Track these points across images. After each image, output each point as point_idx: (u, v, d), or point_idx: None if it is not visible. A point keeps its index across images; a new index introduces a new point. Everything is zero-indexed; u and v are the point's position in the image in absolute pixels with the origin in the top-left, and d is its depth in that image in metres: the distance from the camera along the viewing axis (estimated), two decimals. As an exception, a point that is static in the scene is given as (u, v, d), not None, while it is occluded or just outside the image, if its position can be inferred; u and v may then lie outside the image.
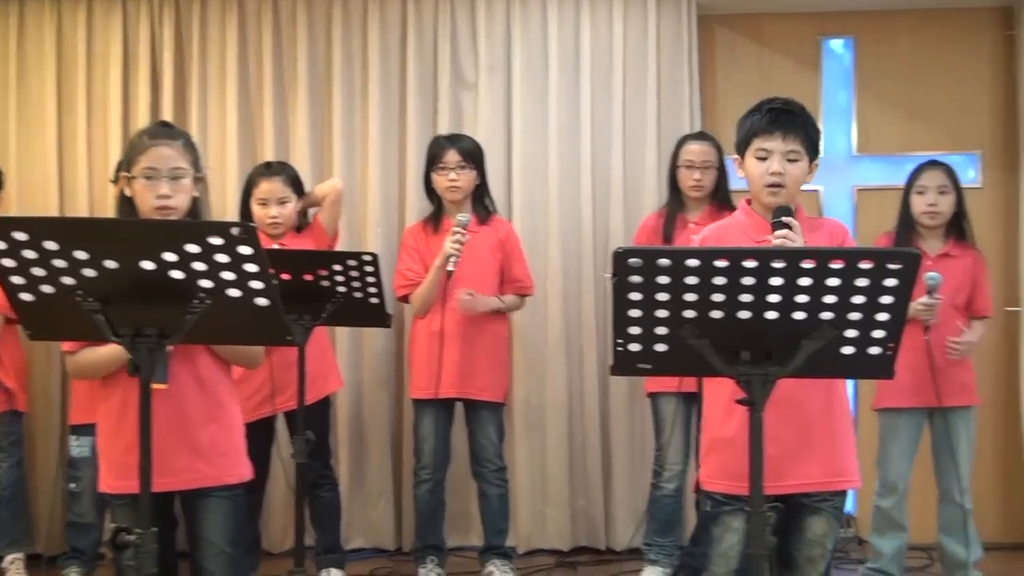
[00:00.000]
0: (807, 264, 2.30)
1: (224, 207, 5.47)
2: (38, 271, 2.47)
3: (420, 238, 5.03)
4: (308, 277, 4.20)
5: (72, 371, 3.26)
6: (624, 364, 2.51)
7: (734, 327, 2.39)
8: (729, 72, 5.98)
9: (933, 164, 4.67)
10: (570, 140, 5.71)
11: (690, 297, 2.35)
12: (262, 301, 2.55)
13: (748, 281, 2.32)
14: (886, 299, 2.36)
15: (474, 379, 4.88)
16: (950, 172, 4.63)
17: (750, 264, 2.30)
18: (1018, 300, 5.74)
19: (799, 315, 2.37)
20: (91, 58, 5.75)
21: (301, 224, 4.96)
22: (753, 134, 3.14)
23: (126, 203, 3.16)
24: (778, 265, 2.29)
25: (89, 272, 2.46)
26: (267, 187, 4.79)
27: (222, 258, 2.45)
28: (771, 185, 3.11)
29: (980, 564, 4.60)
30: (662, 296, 2.36)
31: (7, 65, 5.77)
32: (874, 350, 2.45)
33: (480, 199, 5.04)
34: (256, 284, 2.51)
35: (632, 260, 2.31)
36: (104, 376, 3.10)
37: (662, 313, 2.39)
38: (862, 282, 2.33)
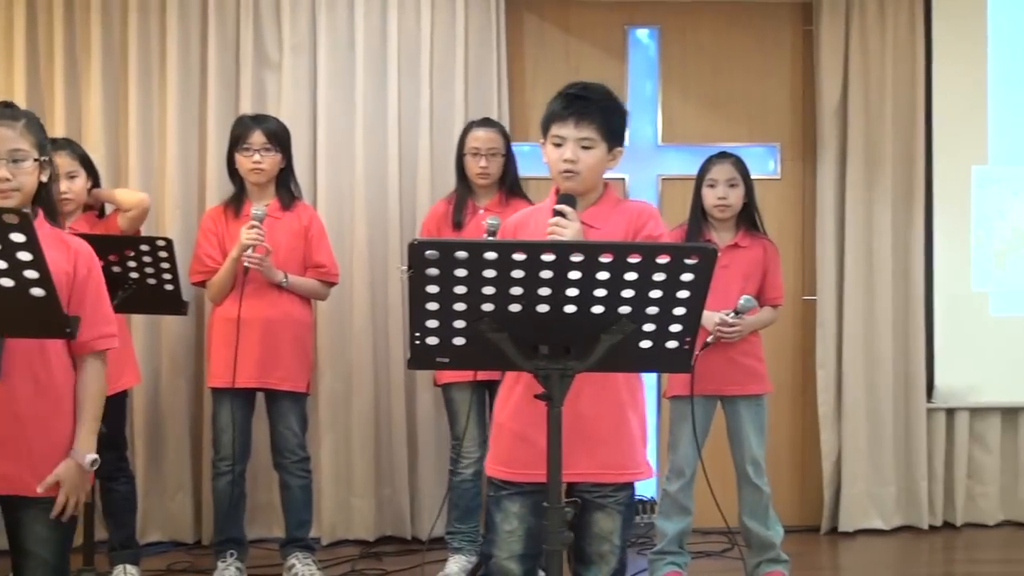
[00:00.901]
0: (605, 258, 2.28)
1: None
2: None
3: (220, 222, 4.86)
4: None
5: None
6: (422, 358, 2.47)
7: (533, 321, 2.37)
8: (537, 59, 5.98)
9: (722, 156, 4.75)
10: (377, 124, 5.63)
11: (488, 290, 2.32)
12: (37, 291, 2.41)
13: (546, 275, 2.29)
14: (683, 294, 2.37)
15: (275, 369, 4.75)
16: (739, 164, 4.72)
17: (548, 258, 2.27)
18: (815, 289, 5.91)
19: (597, 309, 2.37)
20: None
21: (101, 210, 4.76)
22: (550, 120, 3.11)
23: None
24: (576, 259, 2.27)
25: None
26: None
27: (-7, 246, 2.30)
28: (564, 171, 3.08)
29: (780, 545, 4.73)
30: (459, 289, 2.32)
31: None
32: (671, 344, 2.47)
33: (285, 183, 4.91)
34: (30, 273, 2.38)
35: (428, 252, 2.26)
36: None
37: (459, 306, 2.35)
38: (659, 276, 2.34)
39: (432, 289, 2.32)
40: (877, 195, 5.86)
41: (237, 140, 4.81)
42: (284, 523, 4.97)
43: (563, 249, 2.29)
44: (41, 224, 2.94)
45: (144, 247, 4.14)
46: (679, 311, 2.40)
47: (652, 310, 2.39)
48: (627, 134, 3.33)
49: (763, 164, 5.99)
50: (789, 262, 5.79)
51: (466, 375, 4.72)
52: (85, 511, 4.12)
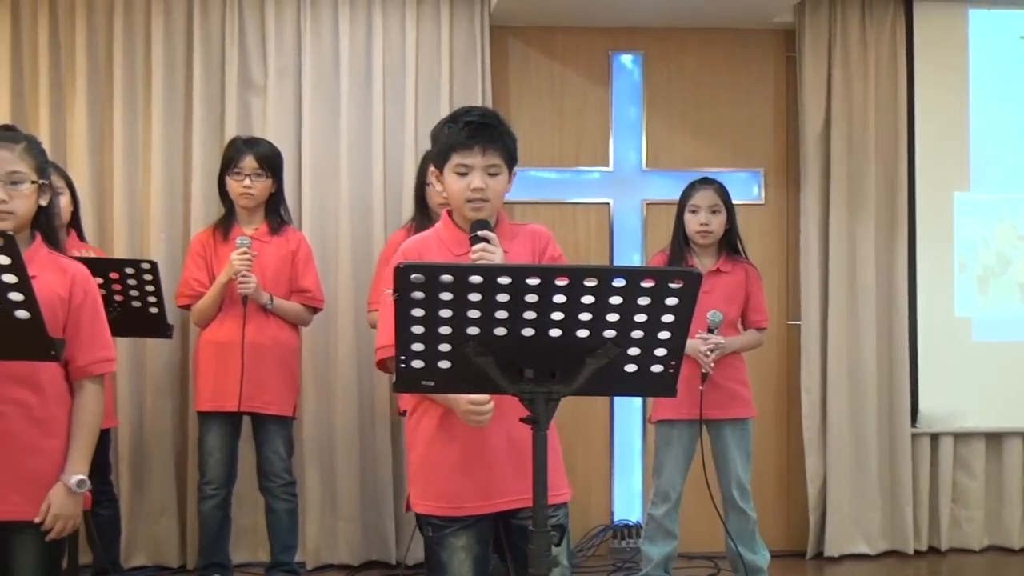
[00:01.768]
0: (590, 282, 2.28)
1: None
2: None
3: (208, 246, 4.86)
4: (83, 286, 4.02)
5: None
6: (407, 381, 2.45)
7: (518, 344, 2.36)
8: (522, 84, 6.01)
9: (705, 182, 4.77)
10: (362, 148, 5.64)
11: (473, 314, 2.31)
12: (22, 314, 2.40)
13: (531, 298, 2.29)
14: (668, 317, 2.36)
15: (262, 392, 4.75)
16: (721, 190, 4.74)
17: (533, 281, 2.27)
18: (799, 314, 5.93)
19: (582, 333, 2.36)
20: None
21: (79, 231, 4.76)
22: (451, 148, 3.04)
23: None
24: (560, 283, 2.27)
25: None
26: None
27: (-23, 269, 2.30)
28: (472, 200, 3.02)
29: (768, 569, 4.73)
30: (445, 312, 2.31)
31: None
32: (656, 368, 2.46)
33: (275, 207, 4.91)
34: (15, 296, 2.37)
35: (414, 276, 2.26)
36: None
37: (445, 330, 2.34)
38: (644, 300, 2.33)
39: (417, 312, 2.31)
40: (860, 221, 5.88)
41: (229, 163, 4.81)
42: (269, 547, 4.96)
43: (548, 273, 2.29)
44: (39, 247, 2.94)
45: (129, 270, 4.14)
46: (664, 335, 2.39)
47: (637, 334, 2.38)
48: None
49: (747, 189, 6.02)
50: (773, 287, 5.81)
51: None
52: (69, 535, 4.08)
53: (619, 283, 2.31)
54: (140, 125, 5.58)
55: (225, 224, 4.88)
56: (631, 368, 2.45)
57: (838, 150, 5.89)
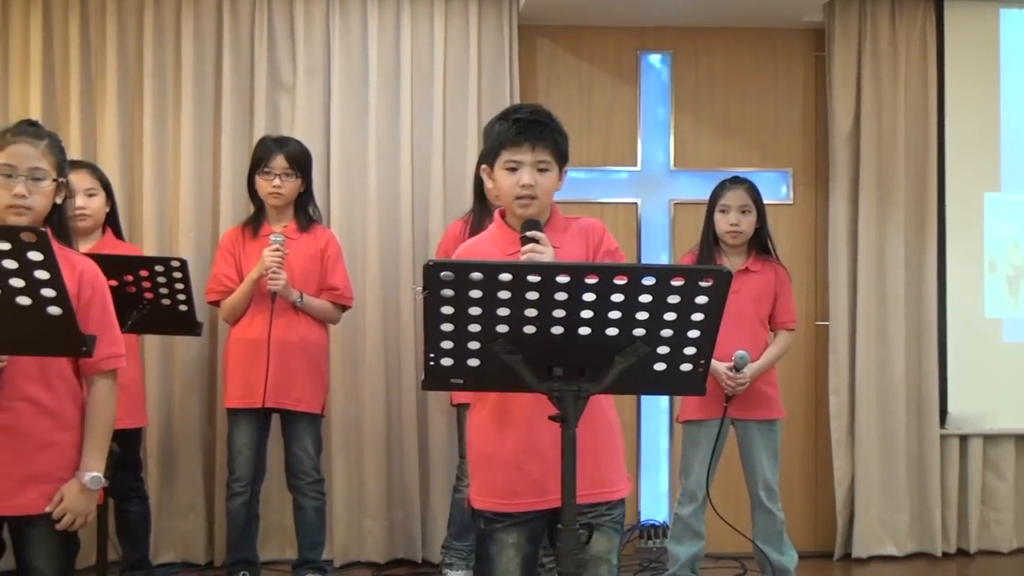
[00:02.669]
0: (619, 280, 2.28)
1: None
2: None
3: (238, 243, 4.88)
4: (113, 283, 4.02)
5: None
6: (436, 379, 2.46)
7: (547, 342, 2.36)
8: (550, 83, 6.01)
9: (735, 182, 4.75)
10: (390, 147, 5.65)
11: (503, 312, 2.32)
12: (54, 310, 2.42)
13: (561, 297, 2.29)
14: (697, 316, 2.36)
15: (291, 389, 4.76)
16: (752, 190, 4.72)
17: (563, 279, 2.27)
18: (827, 315, 5.91)
19: (612, 331, 2.36)
20: None
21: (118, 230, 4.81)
22: (501, 145, 3.05)
23: None
24: (590, 281, 2.28)
25: None
26: (72, 178, 4.55)
27: (10, 264, 2.31)
28: (521, 197, 3.04)
29: (795, 571, 4.71)
30: (474, 310, 2.31)
31: None
32: (686, 367, 2.46)
33: (303, 207, 4.93)
34: (48, 292, 2.39)
35: (444, 274, 2.26)
36: None
37: (474, 327, 2.35)
38: (674, 299, 2.33)
39: (447, 310, 2.32)
40: (890, 221, 5.86)
41: (259, 162, 4.83)
42: (297, 544, 4.97)
43: (578, 271, 2.29)
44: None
45: (159, 268, 4.16)
46: (694, 334, 2.39)
47: (667, 332, 2.38)
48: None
49: (776, 190, 6.00)
50: (801, 287, 5.79)
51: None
52: (99, 531, 4.12)
53: (649, 281, 2.31)
54: (169, 124, 5.61)
55: (255, 222, 4.90)
56: (660, 367, 2.45)
57: (867, 150, 5.86)
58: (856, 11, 5.90)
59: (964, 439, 5.94)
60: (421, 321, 2.36)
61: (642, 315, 2.34)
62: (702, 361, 2.45)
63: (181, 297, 4.23)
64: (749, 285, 4.65)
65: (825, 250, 5.96)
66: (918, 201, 5.90)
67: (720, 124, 6.07)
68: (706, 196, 4.82)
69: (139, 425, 4.77)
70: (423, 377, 2.48)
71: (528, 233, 2.96)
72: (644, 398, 5.92)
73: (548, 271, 2.29)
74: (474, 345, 2.38)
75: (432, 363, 2.42)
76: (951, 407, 5.90)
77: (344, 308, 4.99)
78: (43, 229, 2.41)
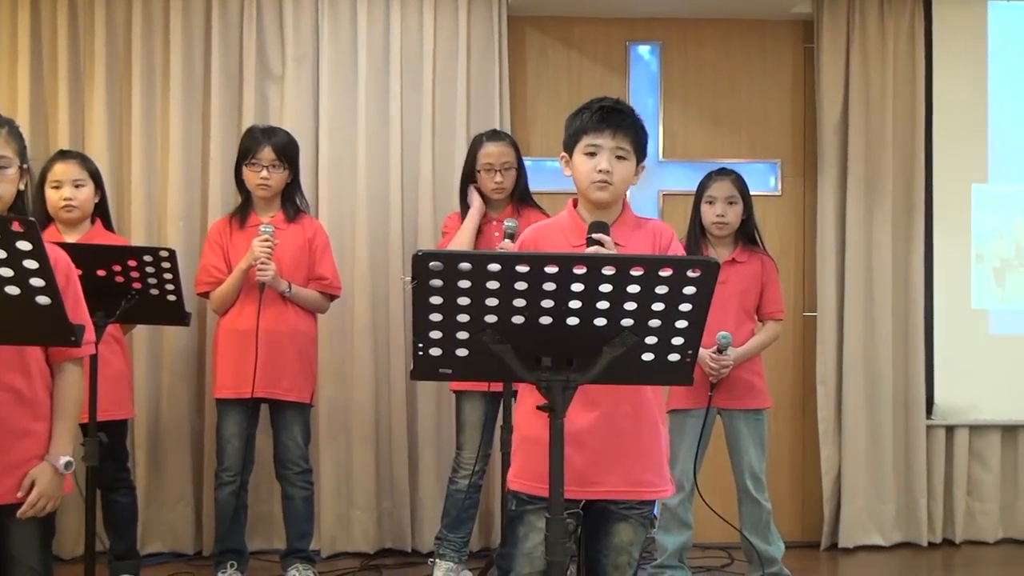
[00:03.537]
0: (608, 271, 2.30)
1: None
2: None
3: (225, 234, 4.88)
4: (102, 272, 4.05)
5: None
6: (424, 368, 2.46)
7: (536, 333, 2.37)
8: (539, 74, 6.01)
9: (722, 173, 4.77)
10: (379, 137, 5.65)
11: (491, 302, 2.32)
12: (43, 299, 2.42)
13: (549, 287, 2.30)
14: (685, 307, 2.38)
15: (281, 379, 4.76)
16: (739, 181, 4.74)
17: (551, 270, 2.28)
18: (815, 306, 5.92)
19: (600, 321, 2.37)
20: None
21: (107, 220, 4.79)
22: (583, 131, 3.10)
23: None
24: (579, 272, 2.29)
25: None
26: (61, 169, 4.60)
27: (-2, 253, 2.31)
28: (597, 181, 3.06)
29: (782, 560, 4.73)
30: (463, 300, 2.32)
31: None
32: (673, 357, 2.47)
33: (291, 197, 4.92)
34: (36, 281, 2.39)
35: (432, 264, 2.27)
36: None
37: (463, 318, 2.35)
38: (662, 289, 2.34)
39: (435, 300, 2.32)
40: (877, 212, 5.87)
41: (246, 153, 4.82)
42: (285, 534, 4.97)
43: (566, 262, 2.30)
44: None
45: (147, 257, 4.14)
46: (681, 324, 2.40)
47: (655, 323, 2.39)
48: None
49: (764, 181, 6.01)
50: (789, 278, 5.81)
51: (479, 385, 4.74)
52: (86, 522, 4.13)
53: (637, 272, 2.32)
54: (158, 114, 5.60)
55: (242, 212, 4.90)
56: (648, 357, 2.47)
57: (855, 141, 5.87)
58: (845, 3, 5.91)
59: (950, 430, 5.97)
60: (410, 311, 2.36)
61: (630, 305, 2.36)
62: (690, 352, 2.47)
63: (170, 287, 4.22)
64: (735, 276, 4.66)
65: (813, 241, 5.98)
66: (905, 192, 5.92)
67: (709, 115, 6.08)
68: (695, 187, 4.83)
69: (126, 416, 4.76)
70: (412, 367, 2.48)
71: (594, 235, 2.98)
72: (632, 389, 5.93)
73: (536, 262, 2.29)
74: (463, 335, 2.39)
75: (421, 353, 2.43)
76: (937, 398, 5.93)
77: (332, 298, 4.99)
78: (31, 219, 2.40)
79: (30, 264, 2.34)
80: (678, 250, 3.21)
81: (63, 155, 4.71)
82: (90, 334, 3.00)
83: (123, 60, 5.59)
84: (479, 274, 2.28)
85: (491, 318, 2.35)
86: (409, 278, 2.30)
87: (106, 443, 4.11)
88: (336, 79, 5.65)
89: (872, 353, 5.85)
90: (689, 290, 2.35)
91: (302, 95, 5.65)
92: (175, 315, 4.38)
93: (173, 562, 5.47)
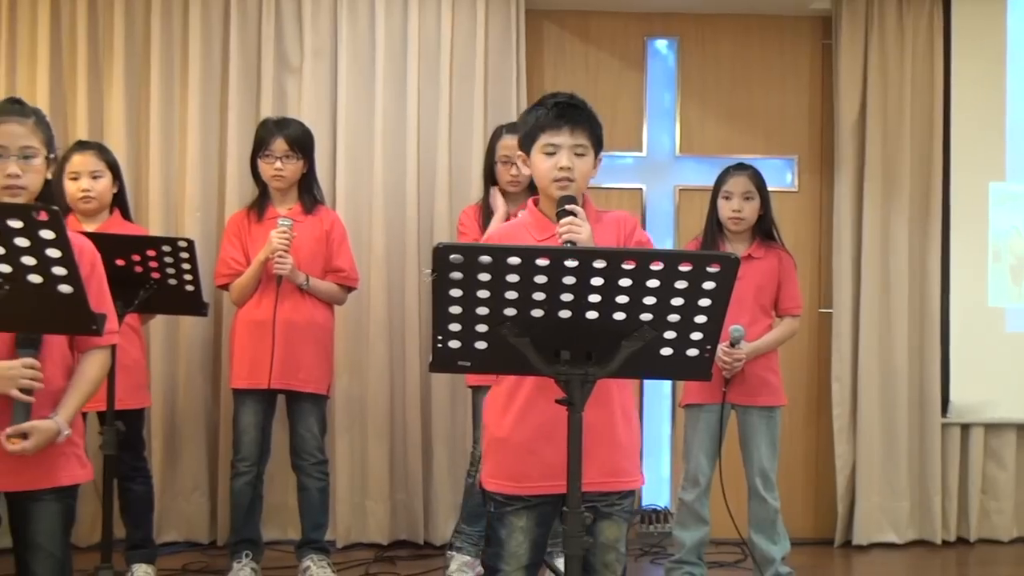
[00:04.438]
0: (627, 266, 2.30)
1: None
2: None
3: (243, 226, 4.89)
4: (120, 262, 4.06)
5: None
6: (443, 361, 2.47)
7: (555, 326, 2.38)
8: (556, 68, 6.02)
9: (739, 168, 4.74)
10: (396, 130, 5.66)
11: (511, 295, 2.33)
12: (65, 288, 2.43)
13: (569, 281, 2.31)
14: (704, 302, 2.38)
15: (298, 370, 4.77)
16: (756, 176, 4.71)
17: (571, 264, 2.29)
18: (831, 302, 5.92)
19: (619, 316, 2.37)
20: None
21: (125, 211, 4.81)
22: (540, 129, 3.07)
23: None
24: (598, 266, 2.29)
25: None
26: (79, 160, 4.62)
27: (22, 242, 2.32)
28: (559, 180, 3.04)
29: (788, 559, 4.70)
30: (483, 293, 2.33)
31: None
32: (692, 352, 2.47)
33: (307, 187, 4.92)
34: (59, 270, 2.40)
35: (453, 256, 2.28)
36: None
37: (482, 311, 2.36)
38: (681, 284, 2.35)
39: (455, 293, 2.33)
40: (894, 209, 5.86)
41: (260, 145, 4.83)
42: (300, 525, 4.98)
43: (586, 255, 2.31)
44: None
45: (166, 248, 4.16)
46: (700, 319, 2.40)
47: (673, 318, 2.39)
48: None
49: (780, 177, 6.01)
50: (805, 275, 5.80)
51: (492, 378, 4.73)
52: (103, 510, 4.15)
53: (657, 267, 2.32)
54: (176, 106, 5.62)
55: (259, 205, 4.90)
56: (667, 351, 2.47)
57: (873, 138, 5.86)
58: (864, -1, 5.91)
59: (965, 428, 5.96)
60: (427, 303, 2.37)
61: (649, 300, 2.36)
62: (708, 346, 2.47)
63: (188, 277, 4.23)
64: (751, 272, 4.63)
65: (829, 238, 5.97)
66: (923, 190, 5.91)
67: (726, 110, 6.07)
68: (711, 182, 4.82)
69: (142, 406, 4.78)
70: (430, 359, 2.49)
71: (567, 207, 2.97)
72: (647, 384, 5.94)
73: (557, 255, 2.30)
74: (482, 328, 2.40)
75: (440, 345, 2.43)
76: (953, 396, 5.91)
77: (350, 289, 5.00)
78: (55, 208, 2.41)
79: (53, 253, 2.36)
80: (642, 236, 3.19)
81: (81, 146, 4.73)
82: (113, 324, 3.02)
83: (142, 51, 5.61)
84: (499, 267, 2.29)
85: (510, 311, 2.36)
86: (429, 270, 2.31)
87: (123, 432, 4.13)
88: (354, 72, 5.66)
89: (888, 350, 5.85)
90: (708, 285, 2.36)
91: (320, 87, 5.66)
92: (193, 305, 4.40)
93: (188, 551, 5.49)
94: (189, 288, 4.27)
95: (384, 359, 5.59)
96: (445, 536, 5.45)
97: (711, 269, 2.34)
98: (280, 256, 4.64)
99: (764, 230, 4.75)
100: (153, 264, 4.16)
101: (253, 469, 4.83)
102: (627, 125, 6.03)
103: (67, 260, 2.38)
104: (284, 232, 4.65)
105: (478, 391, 4.92)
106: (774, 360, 4.74)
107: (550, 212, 3.08)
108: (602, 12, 6.02)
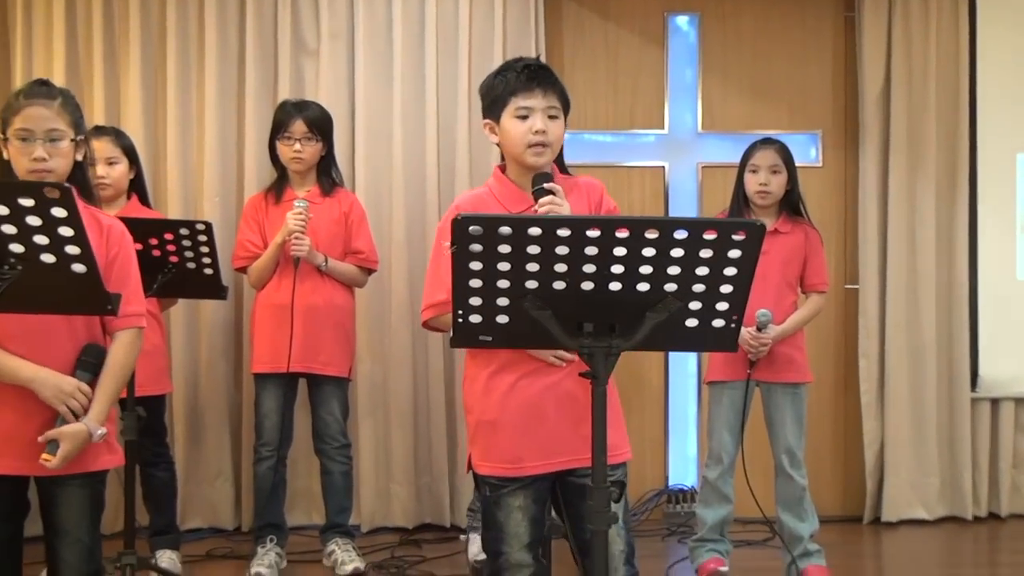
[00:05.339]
0: (651, 235, 2.24)
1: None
2: None
3: (260, 209, 4.86)
4: (138, 246, 4.01)
5: None
6: (464, 336, 2.43)
7: (577, 298, 2.33)
8: (576, 45, 5.95)
9: (766, 143, 4.68)
10: (415, 112, 5.61)
11: (532, 267, 2.28)
12: (79, 267, 2.40)
13: (591, 251, 2.25)
14: (730, 271, 2.32)
15: (319, 354, 4.75)
16: (783, 150, 4.65)
17: (593, 233, 2.23)
18: (857, 278, 5.85)
19: (643, 286, 2.32)
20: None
21: (144, 197, 4.79)
22: (511, 93, 2.99)
23: (4, 166, 2.96)
24: (621, 235, 2.24)
25: None
26: (95, 146, 4.57)
27: (34, 221, 2.29)
28: (535, 144, 2.97)
29: (816, 536, 4.64)
30: (503, 266, 2.28)
31: None
32: (718, 323, 2.41)
33: (326, 170, 4.89)
34: (72, 249, 2.37)
35: (473, 228, 2.23)
36: None
37: (503, 283, 2.31)
38: (706, 253, 2.29)
39: (475, 266, 2.28)
40: (920, 183, 5.78)
41: (279, 127, 4.80)
42: (324, 509, 4.96)
43: (608, 225, 2.25)
44: None
45: (184, 231, 4.14)
46: (726, 289, 2.35)
47: (699, 288, 2.34)
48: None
49: (805, 152, 5.94)
50: (831, 251, 5.74)
51: None
52: (126, 497, 4.13)
53: (681, 235, 2.26)
54: (193, 90, 5.59)
55: (277, 187, 4.88)
56: (692, 323, 2.41)
57: (898, 111, 5.78)
58: (886, -30, 5.82)
59: (995, 402, 5.90)
60: (451, 277, 2.31)
61: (674, 270, 2.30)
62: (734, 317, 2.40)
63: (206, 260, 4.21)
64: (777, 247, 4.58)
65: (855, 213, 5.90)
66: (949, 162, 5.83)
67: (748, 86, 6.00)
68: (734, 159, 4.76)
69: (163, 392, 4.77)
70: (451, 335, 2.45)
71: (546, 185, 2.91)
72: (672, 362, 5.90)
73: (578, 225, 2.24)
74: (503, 301, 2.35)
75: (460, 320, 2.39)
76: (982, 370, 5.85)
77: (370, 272, 4.97)
78: (67, 185, 2.38)
79: (65, 231, 2.33)
80: (610, 202, 3.13)
81: (97, 131, 4.69)
82: (142, 306, 2.99)
83: (158, 36, 5.58)
84: (520, 239, 2.24)
85: (532, 283, 2.31)
86: (448, 243, 2.26)
87: (144, 418, 4.10)
88: (371, 54, 5.62)
89: (915, 325, 5.78)
90: (734, 254, 2.30)
91: (337, 70, 5.62)
92: (212, 289, 4.38)
93: (213, 537, 5.48)
94: (208, 271, 4.25)
95: (407, 343, 5.55)
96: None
97: (736, 237, 2.28)
98: (297, 237, 4.61)
99: (791, 205, 4.68)
100: (171, 248, 4.14)
101: (275, 454, 4.81)
102: (648, 102, 5.96)
103: (80, 239, 2.34)
104: (300, 213, 4.62)
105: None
106: (800, 338, 4.68)
107: (521, 182, 3.02)
108: (621, -11, 5.96)
